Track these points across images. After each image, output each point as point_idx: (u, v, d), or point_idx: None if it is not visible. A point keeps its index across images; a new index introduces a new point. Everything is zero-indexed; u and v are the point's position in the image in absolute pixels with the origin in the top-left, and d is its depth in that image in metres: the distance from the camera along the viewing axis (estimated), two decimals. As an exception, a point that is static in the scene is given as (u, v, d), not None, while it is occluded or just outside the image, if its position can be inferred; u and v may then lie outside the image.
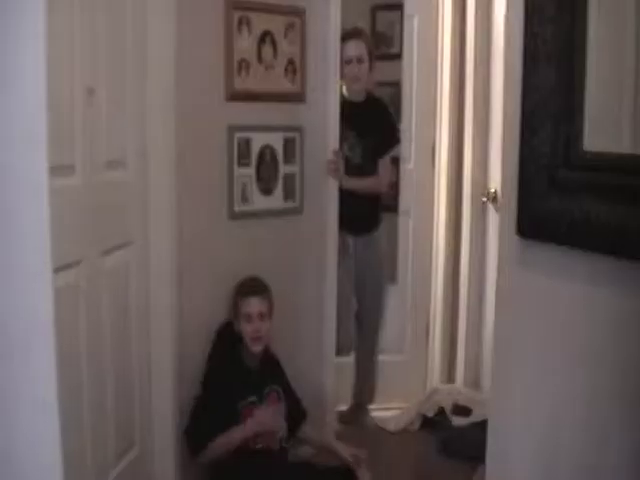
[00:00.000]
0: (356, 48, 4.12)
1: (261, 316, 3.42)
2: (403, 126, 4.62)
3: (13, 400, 1.18)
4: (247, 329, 3.41)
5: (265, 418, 3.32)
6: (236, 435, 3.26)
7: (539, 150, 1.61)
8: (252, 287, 3.48)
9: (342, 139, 4.03)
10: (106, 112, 2.81)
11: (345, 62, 4.05)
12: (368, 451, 3.50)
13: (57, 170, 2.31)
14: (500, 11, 4.25)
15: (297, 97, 3.76)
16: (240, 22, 3.46)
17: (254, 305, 3.42)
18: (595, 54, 1.49)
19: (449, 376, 4.77)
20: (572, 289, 1.59)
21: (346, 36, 4.04)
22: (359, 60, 4.13)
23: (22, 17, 1.15)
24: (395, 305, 4.65)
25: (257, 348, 3.42)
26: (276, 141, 3.71)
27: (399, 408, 4.53)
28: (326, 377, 4.04)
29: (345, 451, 3.45)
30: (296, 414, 3.58)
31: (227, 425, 3.26)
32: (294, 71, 3.71)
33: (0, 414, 1.17)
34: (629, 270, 1.40)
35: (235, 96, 3.50)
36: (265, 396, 3.42)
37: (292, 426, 3.53)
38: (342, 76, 4.02)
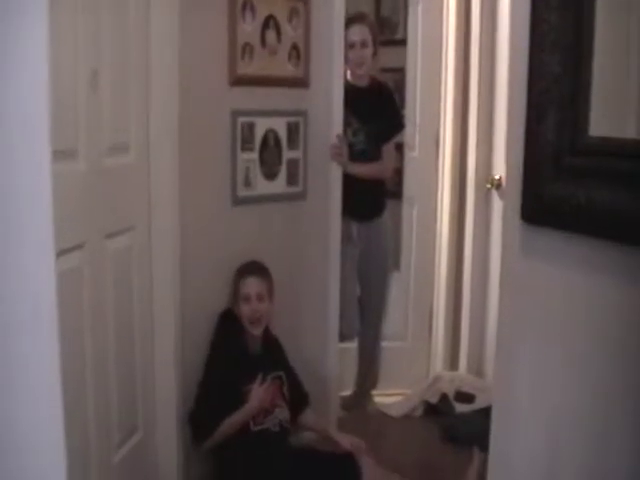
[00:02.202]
0: (360, 33, 4.09)
1: (259, 297, 3.43)
2: (407, 112, 4.60)
3: (15, 385, 1.17)
4: (245, 310, 3.41)
5: (262, 395, 3.32)
6: (237, 418, 3.27)
7: (544, 135, 1.60)
8: (251, 268, 3.48)
9: (346, 124, 4.02)
10: (109, 97, 2.80)
11: (349, 47, 4.03)
12: (370, 438, 3.51)
13: (60, 154, 2.31)
14: (505, -3, 4.25)
15: (301, 82, 3.74)
16: (244, 7, 3.45)
17: (252, 285, 3.43)
18: (602, 39, 1.48)
19: (452, 363, 4.77)
20: (577, 275, 1.58)
21: (350, 21, 4.02)
22: (363, 45, 4.10)
23: (26, 2, 1.14)
24: (398, 292, 4.65)
25: (256, 331, 3.42)
26: (280, 126, 3.70)
27: (402, 394, 4.53)
28: (329, 363, 4.04)
29: (345, 441, 3.45)
30: (298, 399, 3.59)
31: (230, 411, 3.27)
32: (298, 56, 3.70)
33: (1, 399, 1.17)
34: (636, 257, 1.40)
35: (239, 81, 3.48)
36: (268, 381, 3.42)
37: (294, 411, 3.53)
38: (346, 61, 4.00)
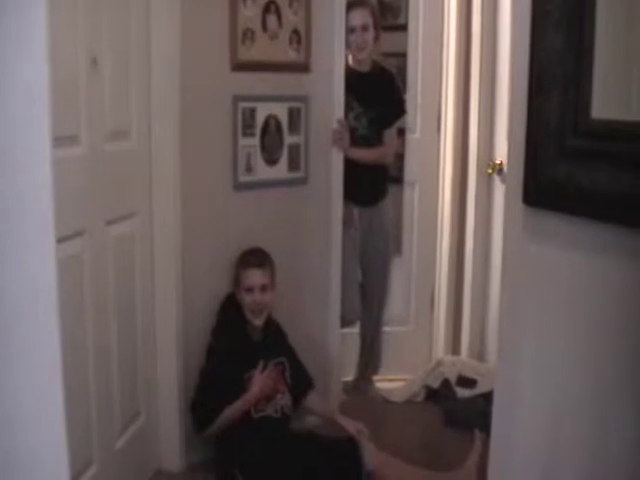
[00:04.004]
0: (361, 17, 4.07)
1: (262, 288, 3.43)
2: (409, 97, 4.58)
3: (16, 372, 1.17)
4: (247, 301, 3.41)
5: (263, 382, 3.33)
6: (239, 406, 3.28)
7: (547, 118, 1.59)
8: (253, 259, 3.48)
9: (348, 109, 4.01)
10: (110, 82, 2.81)
11: (349, 31, 4.00)
12: (371, 423, 3.52)
13: (61, 140, 2.31)
14: (507, -21, 4.23)
15: (302, 67, 3.73)
16: (245, -9, 3.44)
17: (255, 278, 3.43)
18: (604, 19, 1.47)
19: (454, 347, 4.77)
20: (579, 258, 1.58)
21: (351, 4, 3.99)
22: (364, 29, 4.07)
23: None
24: (400, 276, 4.64)
25: (258, 321, 3.44)
26: (281, 111, 3.69)
27: (404, 379, 4.53)
28: (331, 348, 4.05)
29: (350, 425, 3.46)
30: (303, 382, 3.61)
31: (232, 399, 3.29)
32: (299, 41, 3.69)
33: (2, 386, 1.17)
34: (639, 239, 1.39)
35: (240, 66, 3.48)
36: (269, 368, 3.42)
37: (298, 395, 3.55)
38: (347, 45, 3.98)
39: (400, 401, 4.36)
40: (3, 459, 1.18)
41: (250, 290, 3.41)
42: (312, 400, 3.65)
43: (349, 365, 4.43)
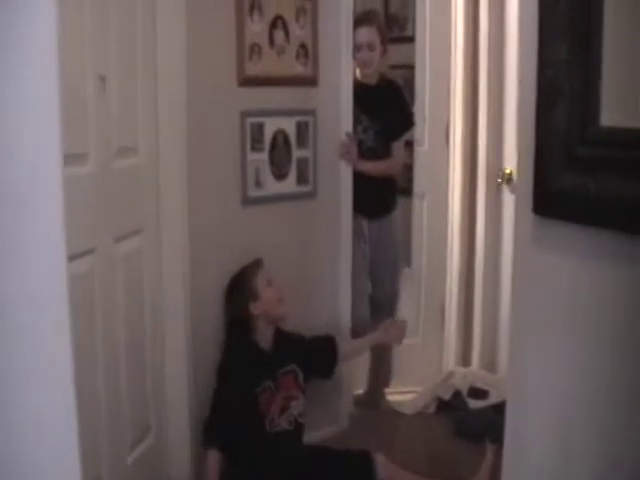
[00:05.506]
0: (367, 35, 4.08)
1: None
2: (417, 108, 4.59)
3: (28, 389, 1.19)
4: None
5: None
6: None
7: (555, 127, 1.59)
8: None
9: (355, 122, 4.03)
10: (118, 99, 2.81)
11: (356, 48, 4.03)
12: (383, 435, 3.52)
13: (70, 158, 2.30)
14: (513, -12, 4.24)
15: (309, 81, 3.74)
16: (251, 7, 3.45)
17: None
18: (611, 27, 1.47)
19: (465, 359, 4.76)
20: (589, 267, 1.57)
21: (358, 21, 4.01)
22: (370, 47, 4.09)
23: (34, 5, 1.15)
24: (410, 288, 4.64)
25: (267, 333, 3.46)
26: (289, 125, 3.70)
27: (415, 391, 4.52)
28: (341, 361, 4.04)
29: (382, 337, 3.89)
30: (326, 345, 3.71)
31: (246, 416, 3.28)
32: (306, 55, 3.70)
33: (15, 403, 1.18)
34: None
35: (247, 81, 3.49)
36: (280, 377, 3.42)
37: (332, 355, 3.70)
38: (354, 59, 4.00)
39: (411, 413, 4.35)
40: (15, 474, 1.18)
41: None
42: (344, 349, 3.78)
43: (360, 378, 4.42)
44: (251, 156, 3.56)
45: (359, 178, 4.01)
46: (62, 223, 1.23)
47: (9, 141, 1.15)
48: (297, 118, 3.73)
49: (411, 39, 4.81)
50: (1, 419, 1.19)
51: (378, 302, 4.35)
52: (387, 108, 4.21)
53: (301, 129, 3.75)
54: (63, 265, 1.24)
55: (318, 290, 3.93)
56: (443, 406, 4.37)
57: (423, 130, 4.63)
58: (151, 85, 3.13)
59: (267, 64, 3.55)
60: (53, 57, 1.19)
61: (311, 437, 3.64)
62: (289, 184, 3.73)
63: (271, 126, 3.63)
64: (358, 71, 4.14)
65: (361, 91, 4.03)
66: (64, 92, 1.23)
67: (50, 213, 1.21)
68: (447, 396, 4.39)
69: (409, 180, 4.75)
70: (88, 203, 2.59)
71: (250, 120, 3.53)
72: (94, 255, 2.66)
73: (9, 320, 1.17)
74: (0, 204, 1.13)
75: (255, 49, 3.50)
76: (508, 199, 4.39)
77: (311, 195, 3.84)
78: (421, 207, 4.72)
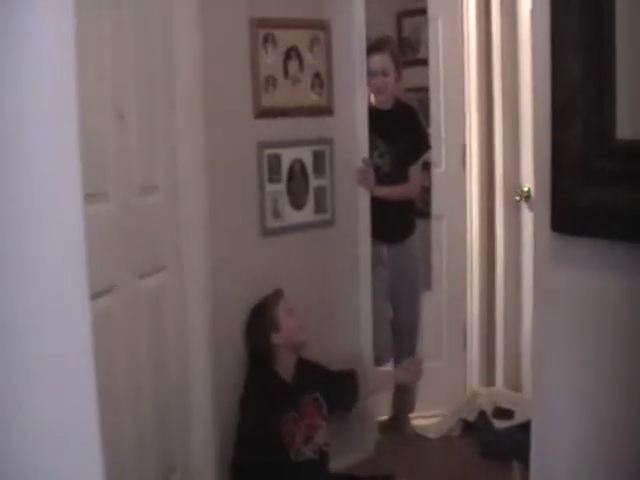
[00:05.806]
0: (380, 62, 4.10)
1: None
2: (433, 130, 4.59)
3: (53, 431, 1.19)
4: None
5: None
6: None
7: (571, 143, 1.59)
8: None
9: (372, 147, 4.04)
10: (137, 137, 2.83)
11: (370, 74, 4.04)
12: (409, 461, 3.51)
13: (91, 197, 2.33)
14: (525, 8, 4.24)
15: (325, 110, 3.77)
16: (265, 40, 3.48)
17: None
18: (623, 41, 1.47)
19: (489, 379, 4.74)
20: (611, 283, 1.57)
21: (371, 49, 4.03)
22: (384, 73, 4.11)
23: (54, 46, 1.16)
24: (431, 311, 4.62)
25: (290, 362, 3.46)
26: (306, 155, 3.72)
27: (439, 415, 4.50)
28: (365, 388, 4.03)
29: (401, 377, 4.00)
30: (350, 385, 3.71)
31: (271, 447, 3.28)
32: (321, 84, 3.72)
33: (41, 444, 1.18)
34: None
35: (263, 113, 3.51)
36: (304, 406, 3.43)
37: (354, 391, 3.69)
38: (369, 85, 4.02)
39: (436, 437, 4.34)
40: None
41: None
42: (366, 387, 3.80)
43: (384, 404, 4.41)
44: (269, 187, 3.58)
45: (377, 204, 4.01)
46: (85, 263, 1.23)
47: (31, 183, 1.15)
48: (313, 147, 3.75)
49: (425, 62, 4.82)
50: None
51: (399, 327, 4.35)
52: (403, 132, 4.21)
53: (318, 158, 3.76)
54: (87, 305, 1.24)
55: (339, 318, 3.93)
56: (468, 428, 4.36)
57: (440, 152, 4.63)
58: (169, 121, 3.14)
59: (282, 95, 3.57)
60: (72, 94, 1.20)
61: (337, 465, 3.64)
62: (307, 213, 3.75)
63: (288, 156, 3.65)
64: (372, 97, 4.15)
65: (376, 116, 4.05)
66: (84, 131, 1.24)
67: (73, 253, 1.22)
68: (472, 417, 4.37)
69: (426, 203, 4.74)
70: (109, 241, 2.59)
71: (267, 151, 3.56)
72: (115, 293, 2.66)
73: (30, 361, 1.18)
74: (20, 239, 1.13)
75: (270, 80, 3.52)
76: (527, 217, 4.39)
77: (329, 223, 3.85)
78: (440, 229, 4.72)
